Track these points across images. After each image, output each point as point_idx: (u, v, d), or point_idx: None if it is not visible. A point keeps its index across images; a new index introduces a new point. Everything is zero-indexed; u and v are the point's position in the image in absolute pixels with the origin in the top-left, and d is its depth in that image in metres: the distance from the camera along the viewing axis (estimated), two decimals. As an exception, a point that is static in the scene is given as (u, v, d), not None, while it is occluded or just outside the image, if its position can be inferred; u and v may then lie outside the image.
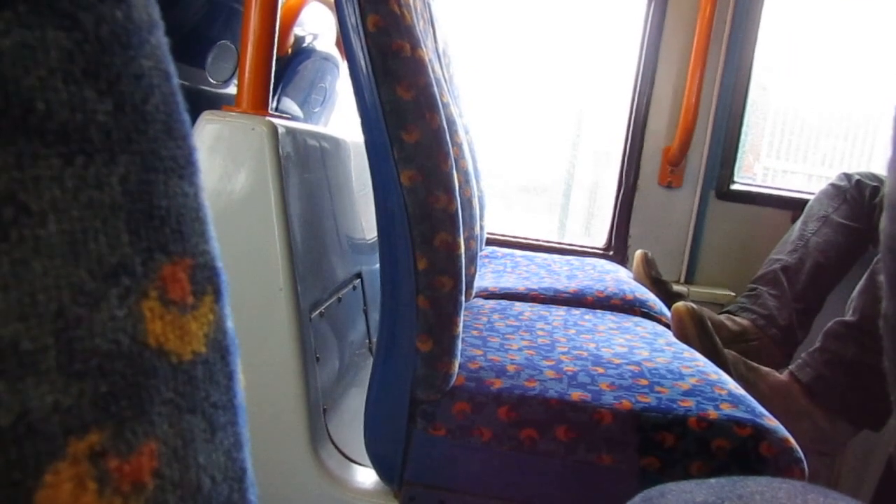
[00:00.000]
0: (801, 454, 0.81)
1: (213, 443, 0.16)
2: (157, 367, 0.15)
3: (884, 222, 0.50)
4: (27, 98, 0.13)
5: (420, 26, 1.17)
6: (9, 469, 0.12)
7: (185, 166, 0.16)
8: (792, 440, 0.81)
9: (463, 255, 0.84)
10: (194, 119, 0.93)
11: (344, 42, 0.83)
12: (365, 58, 0.80)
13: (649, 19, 2.11)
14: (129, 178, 0.14)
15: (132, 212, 0.14)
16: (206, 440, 0.16)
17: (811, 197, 1.92)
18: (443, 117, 0.84)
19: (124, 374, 0.14)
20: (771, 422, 0.83)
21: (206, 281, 0.16)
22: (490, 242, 2.02)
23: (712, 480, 0.36)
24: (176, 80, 0.16)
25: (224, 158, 0.90)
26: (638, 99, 2.14)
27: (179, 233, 0.16)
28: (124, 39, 0.15)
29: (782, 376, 1.50)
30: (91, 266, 0.13)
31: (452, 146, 1.14)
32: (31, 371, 0.12)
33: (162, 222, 0.15)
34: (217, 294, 0.17)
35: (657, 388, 0.88)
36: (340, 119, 2.07)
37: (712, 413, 0.82)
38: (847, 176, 1.87)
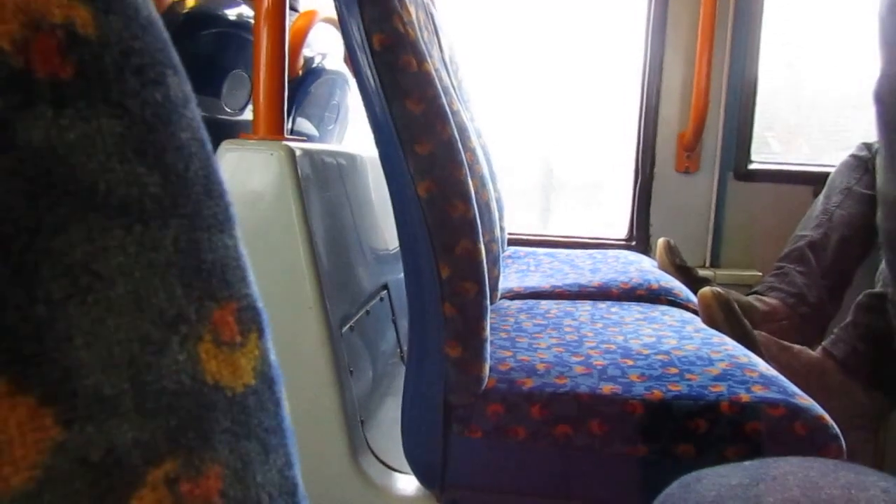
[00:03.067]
0: (836, 430, 0.81)
1: (268, 463, 0.18)
2: (216, 401, 0.17)
3: (879, 218, 0.51)
4: (92, 180, 0.15)
5: (425, 37, 1.19)
6: (102, 497, 0.14)
7: (224, 221, 0.18)
8: (827, 417, 0.82)
9: (484, 260, 0.86)
10: (214, 148, 0.96)
11: (352, 61, 0.85)
12: (373, 75, 0.82)
13: (653, 5, 2.11)
14: (179, 238, 0.16)
15: (184, 267, 0.17)
16: (261, 462, 0.18)
17: (831, 170, 1.91)
18: (453, 127, 0.86)
19: (189, 410, 0.16)
20: (804, 400, 0.83)
21: (251, 320, 0.18)
22: (512, 243, 2.03)
23: (746, 463, 0.38)
24: (210, 146, 0.18)
25: (246, 185, 0.93)
26: (648, 87, 2.14)
27: (224, 281, 0.18)
28: (165, 117, 0.17)
29: (816, 353, 1.50)
30: (154, 318, 0.16)
31: (466, 152, 1.16)
32: (113, 413, 0.14)
33: (209, 273, 0.17)
34: (260, 331, 0.19)
35: (687, 376, 0.89)
36: (356, 133, 2.10)
37: (744, 396, 0.83)
38: (867, 146, 1.85)
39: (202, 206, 0.17)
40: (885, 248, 0.51)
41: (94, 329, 0.14)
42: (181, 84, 0.18)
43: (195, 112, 0.18)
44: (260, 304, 0.19)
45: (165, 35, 0.18)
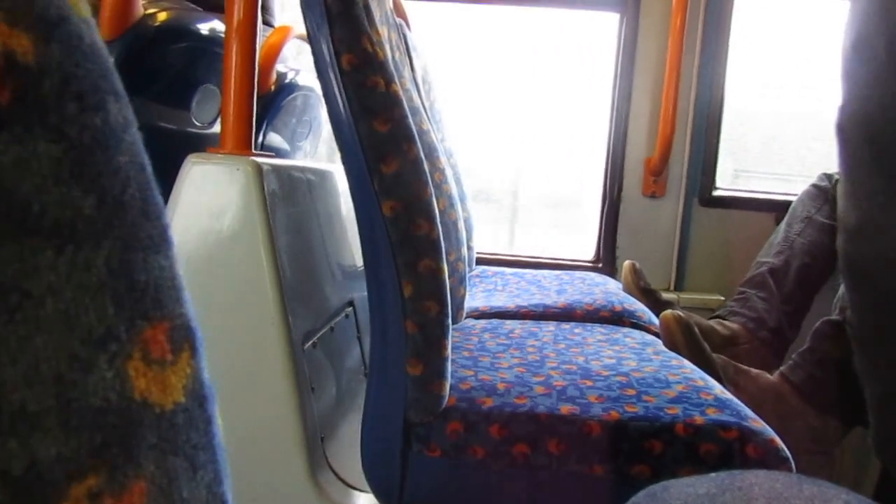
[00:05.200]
0: (787, 454, 0.83)
1: (195, 480, 0.19)
2: (143, 418, 0.17)
3: (839, 244, 0.54)
4: (25, 202, 0.15)
5: (396, 58, 1.20)
6: None
7: (159, 243, 0.19)
8: (778, 440, 0.84)
9: (447, 280, 0.87)
10: (181, 161, 0.96)
11: (321, 80, 0.86)
12: (341, 95, 0.83)
13: (622, 34, 2.16)
14: (112, 258, 0.17)
15: (116, 287, 0.17)
16: (188, 478, 0.18)
17: (793, 199, 1.96)
18: (420, 147, 0.87)
19: (115, 426, 0.16)
20: (756, 423, 0.85)
21: (183, 339, 0.19)
22: (480, 262, 2.05)
23: (712, 475, 0.39)
24: (149, 169, 0.19)
25: (211, 199, 0.93)
26: (617, 112, 2.18)
27: (157, 300, 0.18)
28: (103, 142, 0.17)
29: (773, 378, 1.53)
30: (83, 336, 0.16)
31: (435, 171, 1.18)
32: (37, 428, 0.15)
33: (142, 293, 0.18)
34: (193, 350, 0.19)
35: (644, 398, 0.90)
36: (328, 148, 2.10)
37: (698, 418, 0.84)
38: (828, 176, 1.91)
39: (138, 227, 0.18)
40: (843, 274, 0.54)
41: (21, 346, 0.15)
42: (122, 109, 0.18)
43: (136, 136, 0.19)
44: (194, 324, 0.20)
45: (108, 61, 0.18)
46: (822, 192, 1.88)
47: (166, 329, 0.18)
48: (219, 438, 0.20)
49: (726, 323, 1.80)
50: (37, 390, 0.15)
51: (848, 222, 0.48)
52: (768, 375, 1.54)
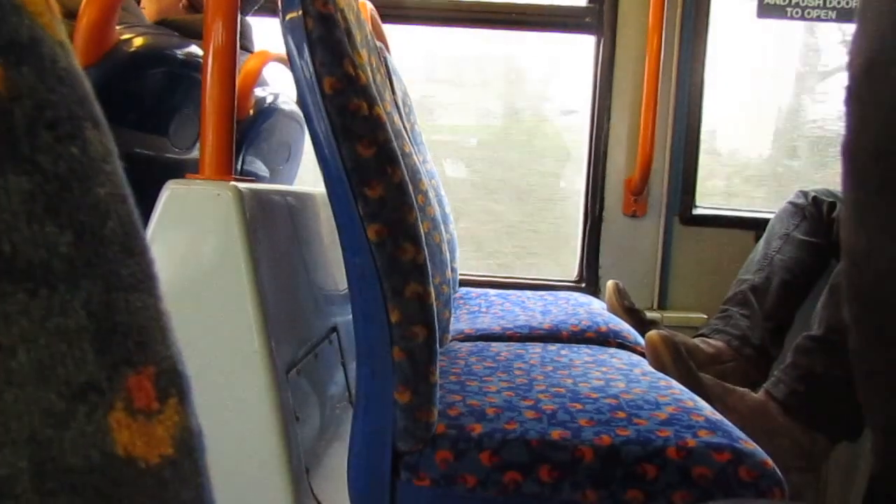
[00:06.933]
0: (779, 475, 0.82)
1: None
2: (127, 475, 0.16)
3: (844, 271, 0.53)
4: None
5: (377, 81, 1.20)
6: None
7: (143, 280, 0.17)
8: (770, 462, 0.83)
9: (434, 304, 0.86)
10: (159, 188, 0.94)
11: (302, 104, 0.85)
12: (324, 118, 0.82)
13: (599, 56, 2.18)
14: (92, 300, 0.16)
15: (96, 331, 0.15)
16: None
17: (772, 216, 1.98)
18: (404, 170, 0.86)
19: (96, 487, 0.15)
20: (748, 445, 0.84)
21: (170, 384, 0.17)
22: (464, 284, 2.03)
23: None
24: (132, 201, 0.18)
25: (191, 226, 0.91)
26: (596, 133, 2.20)
27: (142, 343, 0.17)
28: (81, 173, 0.16)
29: (758, 395, 1.53)
30: (60, 388, 0.15)
31: (417, 194, 1.17)
32: (7, 496, 0.13)
33: (125, 336, 0.16)
34: (181, 395, 0.18)
35: (635, 420, 0.89)
36: (309, 172, 2.09)
37: (690, 441, 0.83)
38: (804, 193, 1.93)
39: (120, 265, 0.16)
40: (849, 301, 0.53)
41: None
42: (101, 137, 0.17)
43: (116, 166, 0.17)
44: (182, 367, 0.18)
45: (86, 86, 0.17)
46: (800, 210, 1.91)
47: (152, 374, 0.17)
48: (210, 492, 0.18)
49: (710, 341, 1.80)
50: (8, 452, 0.13)
51: (854, 248, 0.48)
52: (753, 394, 1.53)
